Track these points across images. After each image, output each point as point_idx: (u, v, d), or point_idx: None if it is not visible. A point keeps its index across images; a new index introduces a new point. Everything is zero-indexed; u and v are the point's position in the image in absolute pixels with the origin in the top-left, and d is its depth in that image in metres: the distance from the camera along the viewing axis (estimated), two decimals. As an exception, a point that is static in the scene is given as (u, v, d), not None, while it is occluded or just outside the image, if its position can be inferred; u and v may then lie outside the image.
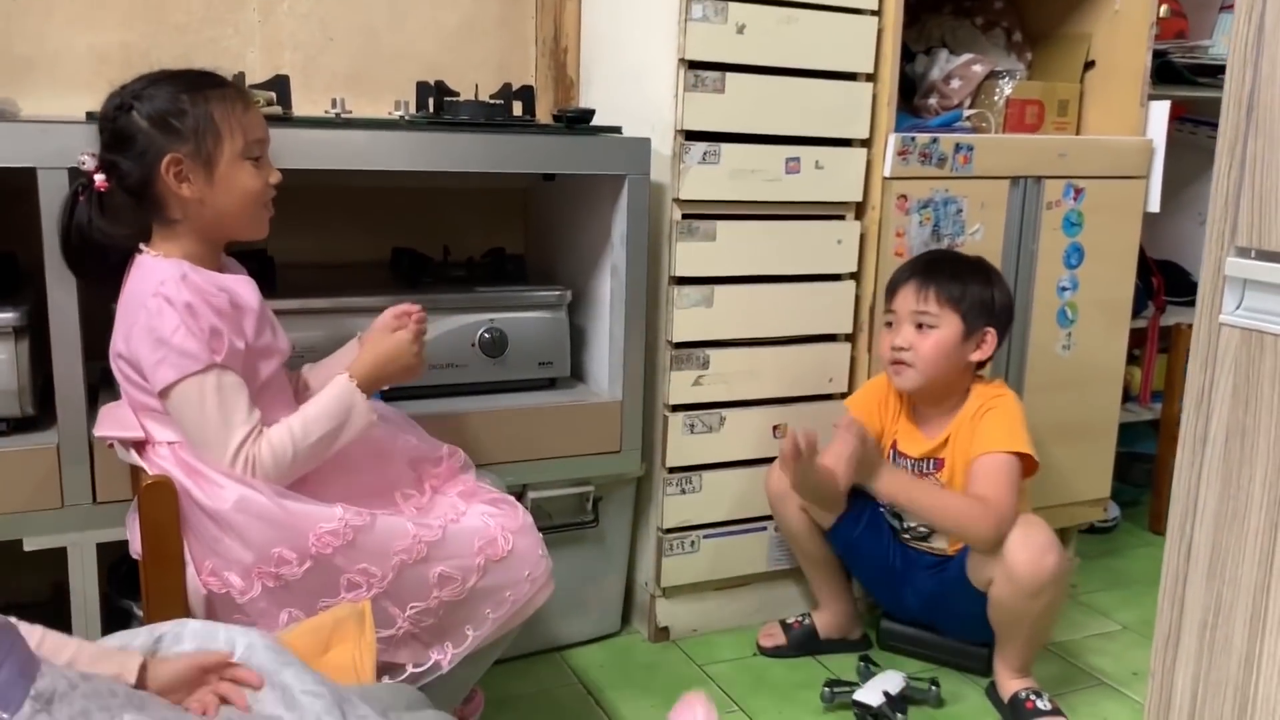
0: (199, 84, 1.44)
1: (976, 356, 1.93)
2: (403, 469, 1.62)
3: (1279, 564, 0.95)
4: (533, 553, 1.57)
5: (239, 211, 1.46)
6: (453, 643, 1.53)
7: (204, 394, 1.39)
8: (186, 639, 1.18)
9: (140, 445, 1.46)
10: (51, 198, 1.53)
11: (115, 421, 1.48)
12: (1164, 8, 2.39)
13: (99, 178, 1.43)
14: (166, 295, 1.38)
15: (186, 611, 1.42)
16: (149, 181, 1.42)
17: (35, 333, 1.66)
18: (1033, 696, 1.88)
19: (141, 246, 1.46)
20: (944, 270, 1.93)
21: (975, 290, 1.91)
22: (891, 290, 1.97)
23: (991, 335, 1.93)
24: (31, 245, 1.63)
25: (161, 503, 1.39)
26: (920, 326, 1.91)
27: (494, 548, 1.52)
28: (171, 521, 1.40)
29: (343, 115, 1.83)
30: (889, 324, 1.97)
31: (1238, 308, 0.98)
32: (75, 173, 1.47)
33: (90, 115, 1.69)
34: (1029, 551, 1.79)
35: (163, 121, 1.41)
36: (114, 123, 1.43)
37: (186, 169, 1.41)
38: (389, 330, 1.57)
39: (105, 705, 0.99)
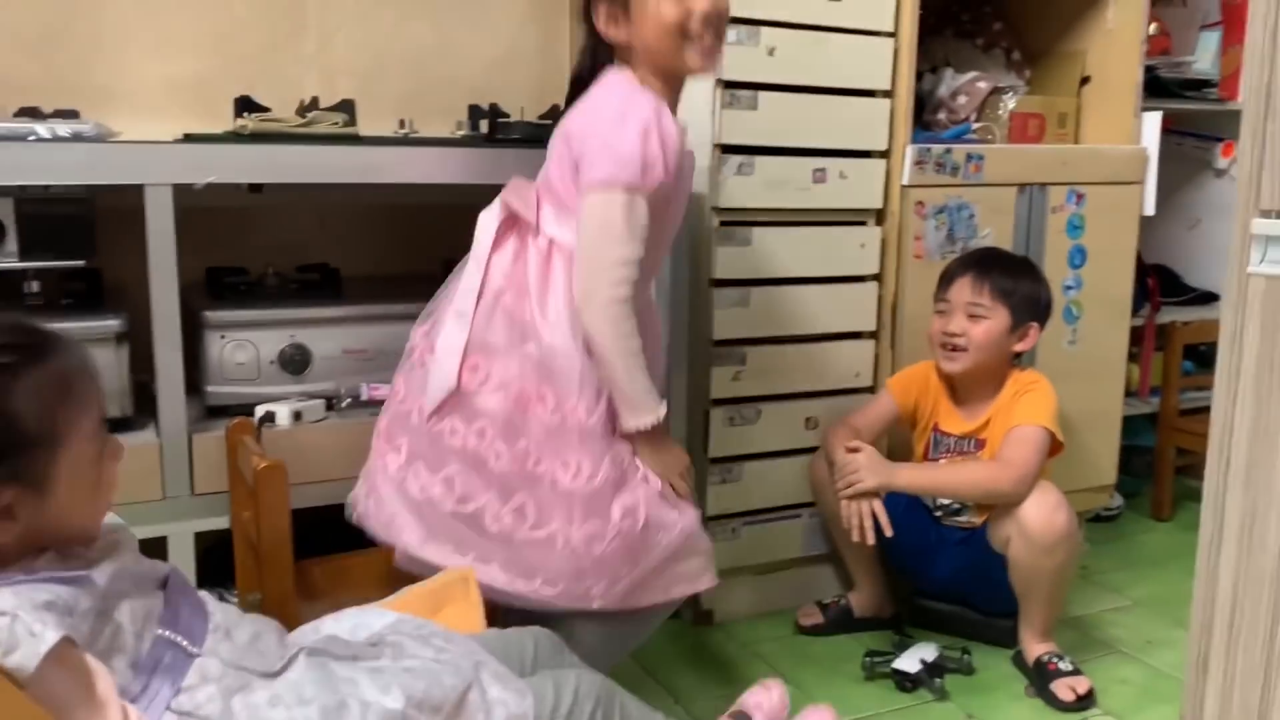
0: None
1: (1019, 347, 2.11)
2: None
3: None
4: (669, 514, 1.62)
5: (657, 42, 1.55)
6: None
7: (611, 209, 1.49)
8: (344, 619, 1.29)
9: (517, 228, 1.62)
10: (156, 212, 1.67)
11: (519, 196, 1.62)
12: (1153, 25, 2.57)
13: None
14: (633, 109, 1.51)
15: (295, 592, 1.55)
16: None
17: (133, 339, 1.79)
18: (1055, 659, 2.03)
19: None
20: (998, 266, 2.10)
21: (1025, 287, 2.10)
22: (947, 281, 2.13)
23: (1035, 330, 2.11)
24: (122, 259, 1.78)
25: (275, 485, 1.52)
26: (971, 316, 2.07)
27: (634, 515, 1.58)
28: (283, 503, 1.52)
29: (410, 135, 1.97)
30: (940, 311, 2.13)
31: (1262, 260, 1.17)
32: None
33: (188, 136, 1.83)
34: (1042, 510, 1.96)
35: None
36: None
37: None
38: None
39: (269, 627, 1.14)
